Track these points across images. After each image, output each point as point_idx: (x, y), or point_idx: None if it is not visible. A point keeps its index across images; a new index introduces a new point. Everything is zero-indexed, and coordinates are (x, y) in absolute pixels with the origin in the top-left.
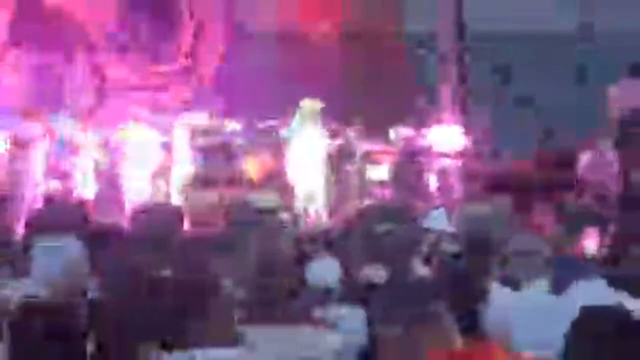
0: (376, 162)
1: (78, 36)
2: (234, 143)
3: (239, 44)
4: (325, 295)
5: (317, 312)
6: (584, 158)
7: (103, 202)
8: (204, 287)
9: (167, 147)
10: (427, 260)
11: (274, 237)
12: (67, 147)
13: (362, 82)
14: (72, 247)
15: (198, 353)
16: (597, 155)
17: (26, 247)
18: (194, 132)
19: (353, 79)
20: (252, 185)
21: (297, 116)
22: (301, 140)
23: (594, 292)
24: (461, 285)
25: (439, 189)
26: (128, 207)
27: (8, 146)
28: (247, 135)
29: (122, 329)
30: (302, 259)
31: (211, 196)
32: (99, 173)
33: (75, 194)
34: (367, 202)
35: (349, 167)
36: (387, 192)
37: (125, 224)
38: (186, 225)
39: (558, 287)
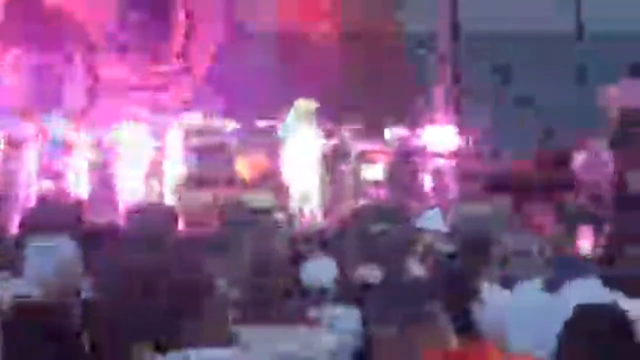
0: (371, 162)
1: (74, 36)
2: (229, 143)
3: (236, 43)
4: (320, 295)
5: (312, 312)
6: (579, 158)
7: (96, 202)
8: (198, 287)
9: (160, 147)
10: (421, 261)
11: (268, 237)
12: (61, 147)
13: (360, 82)
14: (65, 247)
15: (192, 353)
16: (592, 155)
17: (19, 247)
18: (188, 132)
19: (351, 78)
20: (245, 185)
21: (292, 115)
22: (296, 140)
23: (588, 291)
24: (456, 285)
25: (433, 189)
26: (122, 207)
27: (2, 146)
28: (241, 135)
29: (116, 329)
30: (297, 259)
31: (205, 196)
32: (92, 173)
33: (68, 194)
34: (362, 202)
35: (343, 167)
36: (382, 192)
37: (119, 223)
38: (180, 226)
39: (552, 286)
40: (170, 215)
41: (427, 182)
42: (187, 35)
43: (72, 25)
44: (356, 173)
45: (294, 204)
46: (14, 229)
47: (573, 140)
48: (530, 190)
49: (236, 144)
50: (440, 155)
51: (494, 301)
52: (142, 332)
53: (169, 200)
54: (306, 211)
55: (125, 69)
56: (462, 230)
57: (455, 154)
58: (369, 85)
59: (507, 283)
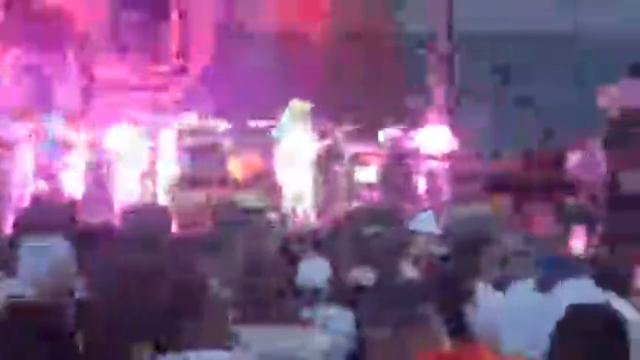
0: (364, 164)
1: (70, 36)
2: (221, 143)
3: (234, 43)
4: (314, 296)
5: (306, 313)
6: (573, 158)
7: (91, 202)
8: (193, 287)
9: (154, 147)
10: (415, 263)
11: (261, 237)
12: (57, 147)
13: (357, 82)
14: (58, 247)
15: (192, 355)
16: (586, 155)
17: (13, 247)
18: (181, 133)
19: (348, 79)
20: (238, 185)
21: (286, 115)
22: (290, 140)
23: (581, 291)
24: (449, 288)
25: (427, 191)
26: (117, 207)
27: None
28: (234, 135)
29: (111, 329)
30: (291, 259)
31: (198, 196)
32: (87, 173)
33: (62, 194)
34: (355, 204)
35: (337, 168)
36: (375, 195)
37: (113, 223)
38: (174, 226)
39: (544, 287)
40: (165, 215)
41: (421, 184)
42: (181, 35)
43: (68, 25)
44: (349, 175)
45: (287, 204)
46: (7, 229)
47: (573, 140)
48: (523, 190)
49: (229, 144)
50: (433, 157)
51: (486, 302)
52: (137, 332)
53: (162, 200)
54: (299, 211)
55: (121, 69)
56: (456, 231)
57: (448, 156)
58: (366, 86)
59: (501, 285)
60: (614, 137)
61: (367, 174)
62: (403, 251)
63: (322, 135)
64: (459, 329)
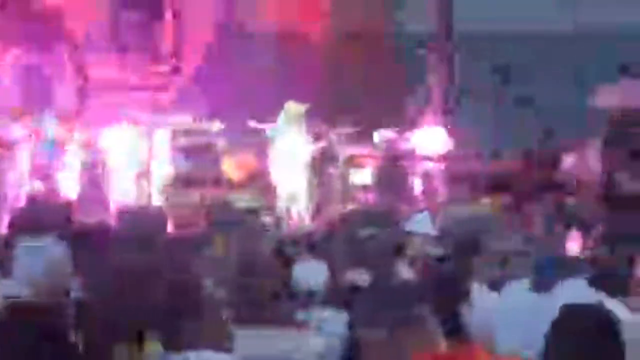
0: (359, 167)
1: (65, 36)
2: (215, 143)
3: (232, 43)
4: (309, 298)
5: (300, 315)
6: (572, 158)
7: (86, 202)
8: (188, 287)
9: (149, 147)
10: (411, 264)
11: (255, 238)
12: (53, 147)
13: (357, 82)
14: (54, 247)
15: (192, 355)
16: (581, 156)
17: (8, 247)
18: (175, 133)
19: (347, 79)
20: (232, 185)
21: (282, 117)
22: (285, 141)
23: (576, 291)
24: (445, 288)
25: (423, 192)
26: (112, 207)
27: None
28: (228, 135)
29: (108, 328)
30: (286, 262)
31: (192, 196)
32: (82, 173)
33: (58, 194)
34: (350, 206)
35: (332, 170)
36: (371, 197)
37: (109, 223)
38: (169, 227)
39: (540, 287)
40: (160, 216)
41: (416, 185)
42: (176, 35)
43: (63, 25)
44: (344, 177)
45: (281, 204)
46: (3, 229)
47: (573, 140)
48: (522, 190)
49: (223, 144)
50: (429, 159)
51: (482, 303)
52: (134, 331)
53: (157, 200)
54: (294, 213)
55: (116, 69)
56: (452, 231)
57: (444, 157)
58: (365, 86)
59: (496, 285)
60: (614, 137)
61: (362, 176)
62: (399, 252)
63: (317, 137)
64: (454, 329)
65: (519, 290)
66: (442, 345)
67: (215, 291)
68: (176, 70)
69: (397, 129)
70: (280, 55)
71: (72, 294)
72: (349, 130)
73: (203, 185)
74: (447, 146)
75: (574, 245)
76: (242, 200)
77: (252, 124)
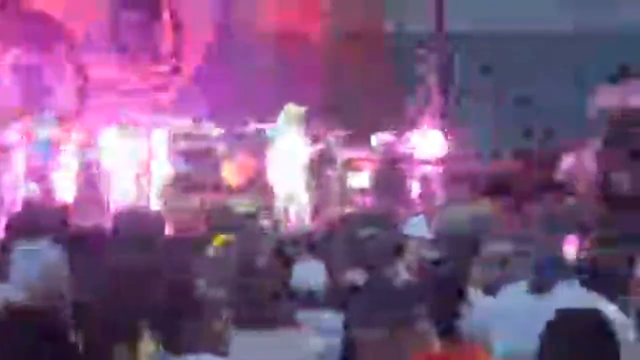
0: (357, 170)
1: (64, 36)
2: (216, 148)
3: (231, 43)
4: (309, 298)
5: (300, 315)
6: (567, 160)
7: (83, 203)
8: (184, 288)
9: (149, 149)
10: (406, 267)
11: (255, 240)
12: (51, 148)
13: (355, 82)
14: (50, 251)
15: (191, 358)
16: (578, 156)
17: (5, 250)
18: (176, 136)
19: (347, 79)
20: (231, 190)
21: (282, 118)
22: (283, 143)
23: (574, 294)
24: (441, 291)
25: (420, 195)
26: (110, 209)
27: None
28: (228, 139)
29: (108, 328)
30: (286, 262)
31: (192, 201)
32: (80, 174)
33: (55, 197)
34: (348, 209)
35: (330, 173)
36: (369, 200)
37: (106, 225)
38: (168, 230)
39: (537, 289)
40: (158, 219)
41: (414, 188)
42: (174, 35)
43: (63, 25)
44: (342, 180)
45: (279, 204)
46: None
47: (573, 140)
48: (518, 190)
49: (223, 149)
50: (427, 162)
51: (479, 304)
52: (134, 331)
53: (156, 204)
54: (292, 213)
55: (115, 69)
56: (452, 232)
57: (442, 160)
58: (364, 86)
59: (491, 289)
60: (614, 137)
61: (360, 179)
62: (399, 253)
63: (315, 139)
64: (451, 330)
65: (516, 292)
66: (438, 345)
67: (211, 291)
68: (176, 70)
69: (395, 131)
70: (280, 55)
71: (69, 296)
72: (347, 132)
73: (203, 190)
74: (445, 149)
75: (573, 246)
76: (242, 204)
77: (252, 124)
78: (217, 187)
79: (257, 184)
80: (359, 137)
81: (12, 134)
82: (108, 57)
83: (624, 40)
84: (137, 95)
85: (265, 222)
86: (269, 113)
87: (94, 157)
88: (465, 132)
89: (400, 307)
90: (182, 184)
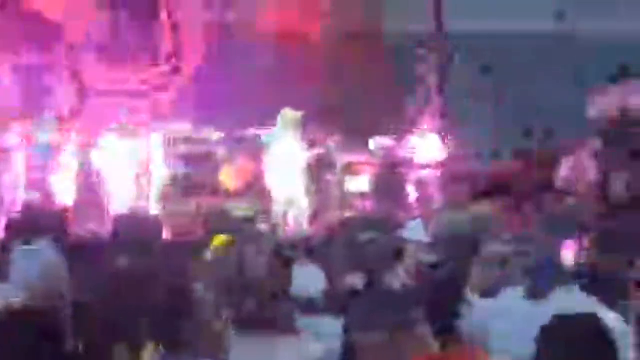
0: (357, 173)
1: (60, 38)
2: (216, 152)
3: (231, 43)
4: (308, 305)
5: (300, 322)
6: (567, 161)
7: (82, 205)
8: (181, 291)
9: (147, 152)
10: (405, 271)
11: (254, 241)
12: (51, 150)
13: (355, 82)
14: (49, 251)
15: None
16: (577, 157)
17: (5, 251)
18: (175, 141)
19: (347, 79)
20: (229, 194)
21: (278, 123)
22: (281, 147)
23: (571, 300)
24: (439, 293)
25: (418, 199)
26: (109, 211)
27: None
28: (227, 143)
29: (108, 329)
30: (287, 261)
31: (189, 205)
32: (78, 175)
33: (54, 199)
34: (348, 214)
35: (329, 177)
36: (368, 204)
37: (105, 228)
38: (166, 235)
39: (534, 294)
40: (156, 223)
41: (413, 192)
42: (173, 35)
43: (62, 25)
44: (342, 184)
45: (278, 209)
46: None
47: (573, 140)
48: (517, 191)
49: (223, 153)
50: (425, 166)
51: (479, 304)
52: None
53: (154, 208)
54: (290, 217)
55: (116, 70)
56: (453, 233)
57: (441, 164)
58: (364, 87)
59: (488, 295)
60: (614, 137)
61: (360, 184)
62: (398, 257)
63: (312, 144)
64: (449, 332)
65: (515, 296)
66: (436, 349)
67: (209, 295)
68: (176, 70)
69: (394, 135)
70: (280, 55)
71: (69, 296)
72: (346, 135)
73: (201, 194)
74: (444, 152)
75: (571, 251)
76: (240, 209)
77: (250, 129)
78: (216, 191)
79: (256, 188)
80: (358, 140)
81: (12, 137)
82: (108, 57)
83: (624, 41)
84: (137, 95)
85: (263, 226)
86: (268, 113)
87: (94, 159)
88: (465, 132)
89: (399, 311)
90: (181, 188)
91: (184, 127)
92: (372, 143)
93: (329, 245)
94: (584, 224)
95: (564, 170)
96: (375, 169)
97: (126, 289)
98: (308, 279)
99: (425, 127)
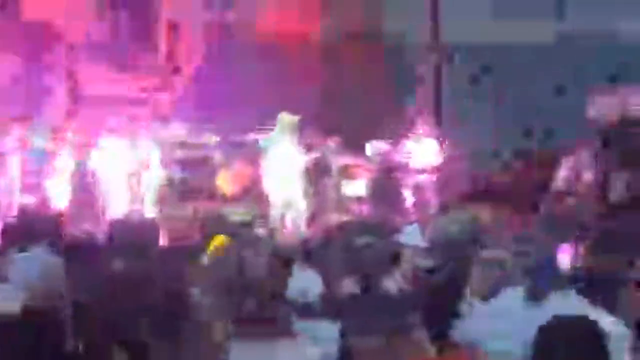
0: (353, 177)
1: (57, 41)
2: (213, 156)
3: (229, 43)
4: (305, 308)
5: (297, 325)
6: (567, 165)
7: (77, 207)
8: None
9: (144, 156)
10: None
11: (252, 243)
12: (46, 154)
13: (355, 82)
14: (48, 252)
15: None
16: (577, 158)
17: (1, 254)
18: (172, 145)
19: (344, 80)
20: (226, 198)
21: (276, 127)
22: (278, 151)
23: (568, 302)
24: (436, 298)
25: (414, 204)
26: (106, 213)
27: None
28: (225, 147)
29: (107, 329)
30: (287, 262)
31: (186, 209)
32: (73, 178)
33: (50, 204)
34: (345, 218)
35: (326, 181)
36: (365, 208)
37: (100, 228)
38: (162, 239)
39: (533, 296)
40: (152, 227)
41: (409, 196)
42: (173, 35)
43: (62, 26)
44: (338, 187)
45: (275, 212)
46: None
47: (573, 140)
48: (517, 191)
49: (220, 157)
50: (422, 171)
51: (478, 305)
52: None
53: (151, 212)
54: (288, 220)
55: (115, 70)
56: (444, 239)
57: (437, 167)
58: (362, 87)
59: (490, 292)
60: (613, 137)
61: (356, 188)
62: (394, 262)
63: (309, 148)
64: (445, 336)
65: (513, 297)
66: (432, 352)
67: (205, 298)
68: (176, 70)
69: (390, 140)
70: (280, 55)
71: (68, 296)
72: (344, 136)
73: (198, 198)
74: (440, 157)
75: (568, 255)
76: (237, 213)
77: (247, 133)
78: (213, 195)
79: (253, 193)
80: (356, 141)
81: (9, 140)
82: (107, 58)
83: (624, 41)
84: (137, 96)
85: (260, 231)
86: (268, 113)
87: (90, 161)
88: (465, 132)
89: (396, 316)
90: (177, 192)
91: (181, 131)
92: (369, 147)
93: (326, 248)
94: (584, 224)
95: (564, 170)
96: (372, 173)
97: (122, 292)
98: (305, 283)
99: (421, 131)
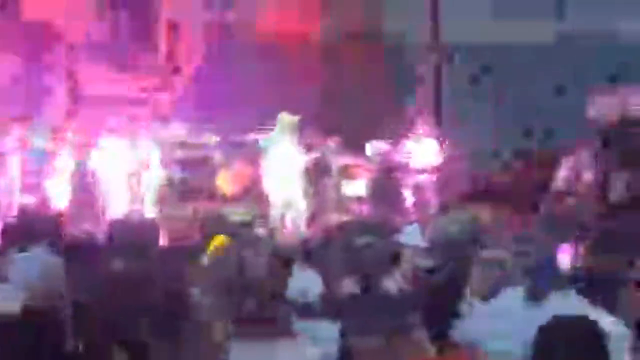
0: (353, 177)
1: (57, 41)
2: (213, 156)
3: (229, 43)
4: (305, 308)
5: (297, 325)
6: (569, 160)
7: (77, 206)
8: (179, 295)
9: (144, 156)
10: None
11: (252, 243)
12: (46, 154)
13: (355, 82)
14: (48, 252)
15: None
16: (577, 158)
17: (2, 254)
18: (172, 145)
19: (347, 79)
20: (226, 198)
21: (276, 127)
22: (278, 151)
23: (568, 303)
24: (435, 298)
25: (414, 204)
26: (104, 213)
27: None
28: (225, 147)
29: (107, 329)
30: (286, 262)
31: (187, 210)
32: (73, 178)
33: (50, 204)
34: (345, 218)
35: (326, 181)
36: (365, 208)
37: (100, 228)
38: (162, 239)
39: (533, 297)
40: (153, 227)
41: (409, 196)
42: (173, 35)
43: (61, 26)
44: (338, 187)
45: (275, 212)
46: None
47: (573, 140)
48: (517, 191)
49: (220, 157)
50: (422, 171)
51: (478, 305)
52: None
53: (151, 211)
54: (288, 220)
55: (115, 70)
56: (444, 239)
57: (437, 167)
58: (363, 87)
59: (490, 292)
60: (613, 137)
61: (356, 187)
62: (395, 262)
63: (309, 148)
64: (444, 336)
65: (513, 297)
66: (432, 352)
67: (205, 298)
68: (176, 70)
69: (390, 140)
70: (280, 55)
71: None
72: (344, 136)
73: (198, 199)
74: (440, 157)
75: (568, 255)
76: (237, 213)
77: (247, 134)
78: (213, 195)
79: (253, 193)
80: (356, 141)
81: (9, 140)
82: (107, 58)
83: (624, 41)
84: (137, 96)
85: (260, 231)
86: (268, 113)
87: (90, 161)
88: (465, 132)
89: (396, 316)
90: (177, 192)
91: (181, 131)
92: (369, 147)
93: (326, 248)
94: (584, 224)
95: (564, 170)
96: (372, 173)
97: (122, 292)
98: (305, 283)
99: (421, 131)
